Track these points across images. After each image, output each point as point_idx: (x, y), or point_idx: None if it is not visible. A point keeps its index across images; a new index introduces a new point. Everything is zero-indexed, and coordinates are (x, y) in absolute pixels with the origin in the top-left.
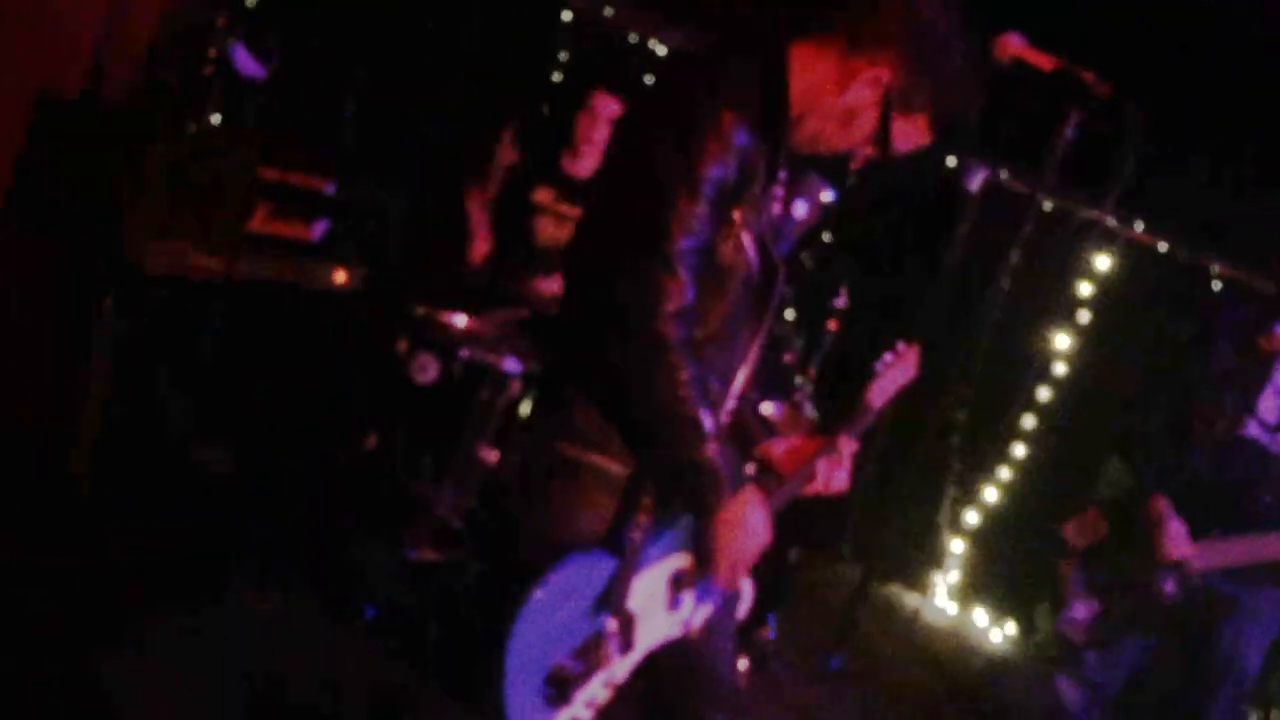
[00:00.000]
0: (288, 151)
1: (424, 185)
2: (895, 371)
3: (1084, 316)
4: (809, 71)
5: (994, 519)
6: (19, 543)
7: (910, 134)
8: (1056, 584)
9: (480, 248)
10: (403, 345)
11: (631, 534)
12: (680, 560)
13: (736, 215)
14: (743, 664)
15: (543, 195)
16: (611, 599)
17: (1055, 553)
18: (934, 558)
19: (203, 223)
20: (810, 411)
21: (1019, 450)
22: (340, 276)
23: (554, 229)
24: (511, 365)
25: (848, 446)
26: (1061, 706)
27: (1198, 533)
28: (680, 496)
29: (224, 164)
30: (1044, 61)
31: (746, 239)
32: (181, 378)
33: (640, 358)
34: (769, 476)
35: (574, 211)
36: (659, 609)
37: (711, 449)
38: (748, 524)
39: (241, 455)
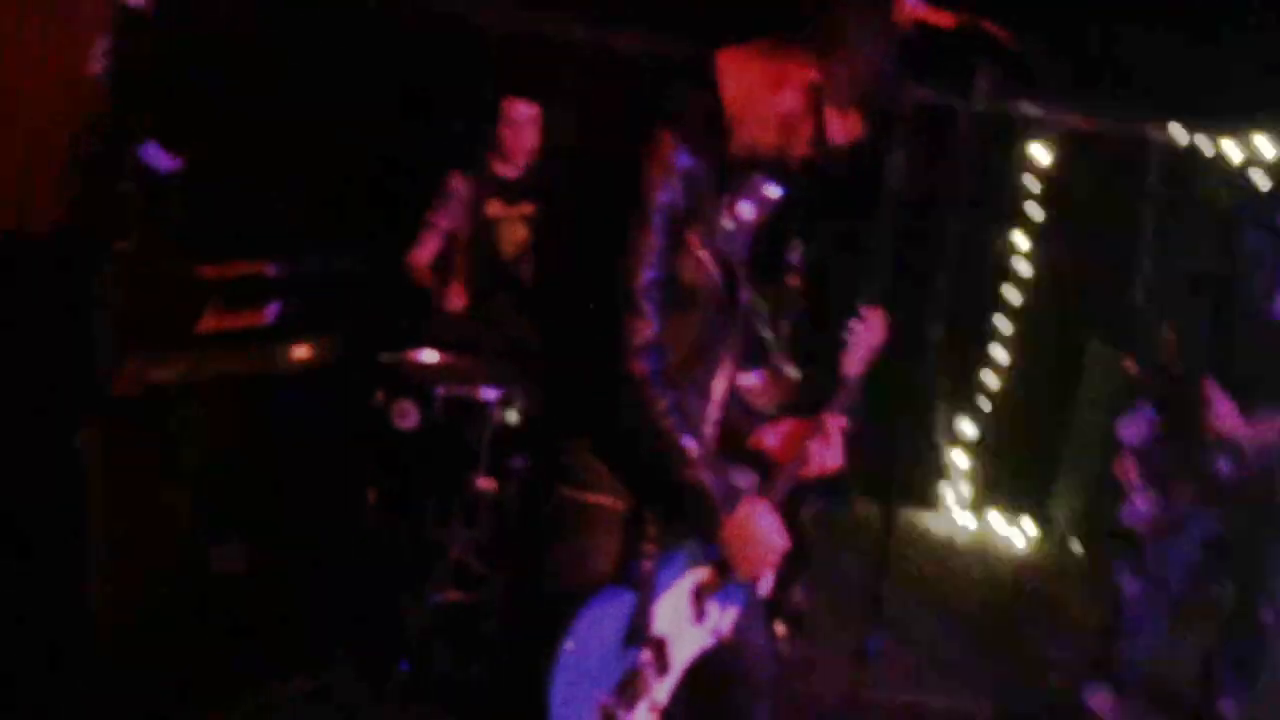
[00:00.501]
0: (220, 243)
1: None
2: (864, 337)
3: (1034, 210)
4: (740, 80)
5: (989, 423)
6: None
7: (845, 129)
8: (1094, 477)
9: (456, 298)
10: (379, 396)
11: (642, 565)
12: (697, 574)
13: (692, 237)
14: (780, 630)
15: (493, 208)
16: (638, 631)
17: (1056, 447)
18: (939, 473)
19: (156, 335)
20: (791, 372)
21: (999, 353)
22: (302, 352)
23: (513, 234)
24: (490, 393)
25: (835, 424)
26: (1122, 599)
27: (1245, 411)
28: (681, 522)
29: (162, 273)
30: (944, 19)
31: (705, 256)
32: (176, 487)
33: (618, 395)
34: (767, 474)
35: (526, 209)
36: (687, 626)
37: (699, 473)
38: (756, 534)
39: (254, 550)
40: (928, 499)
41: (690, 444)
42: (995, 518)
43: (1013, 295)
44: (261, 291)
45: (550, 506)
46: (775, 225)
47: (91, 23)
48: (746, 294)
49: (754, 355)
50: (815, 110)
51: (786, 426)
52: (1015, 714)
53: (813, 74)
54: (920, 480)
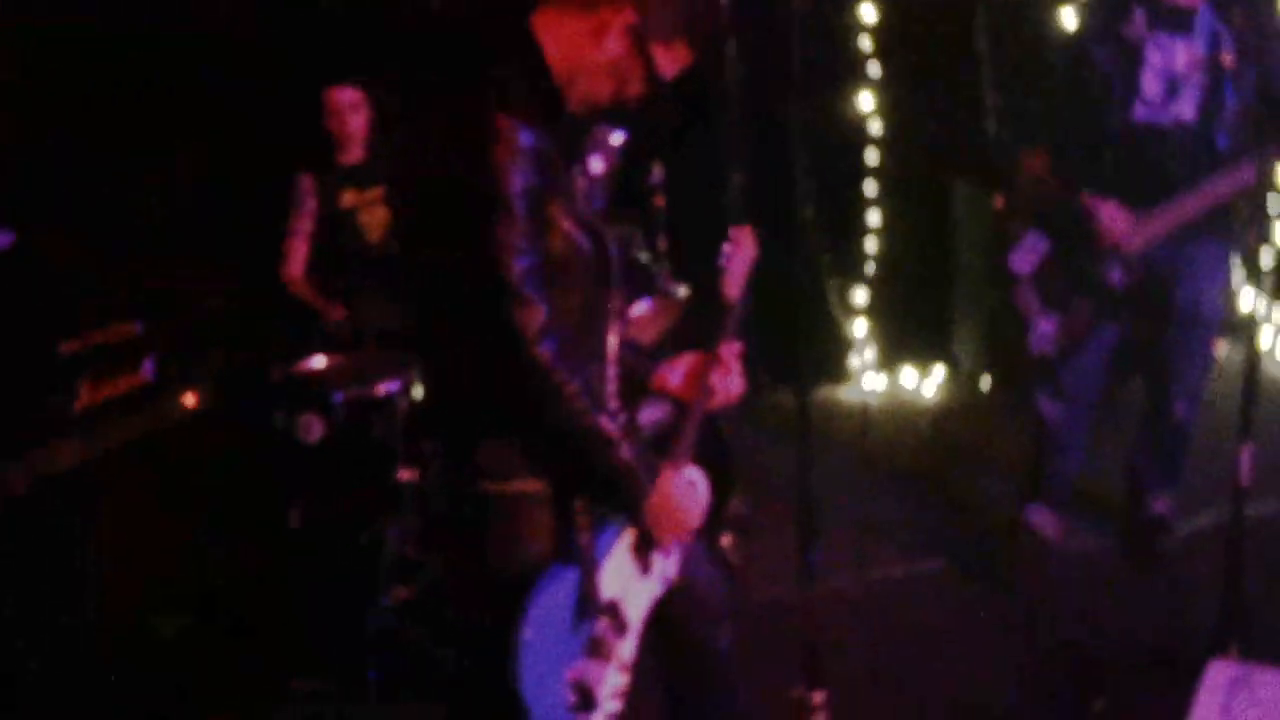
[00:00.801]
0: (70, 310)
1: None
2: (738, 259)
3: (875, 69)
4: (560, 38)
5: (879, 286)
6: None
7: (673, 60)
8: (988, 314)
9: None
10: (279, 419)
11: (578, 539)
12: (632, 533)
13: (554, 212)
14: (726, 541)
15: (348, 199)
16: (588, 602)
17: (947, 293)
18: (842, 345)
19: (31, 427)
20: (677, 290)
21: (873, 217)
22: (190, 400)
23: (373, 218)
24: (390, 386)
25: (730, 351)
26: (1044, 422)
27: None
28: (606, 501)
29: (18, 359)
30: None
31: (569, 225)
32: (94, 568)
33: (525, 384)
34: (675, 414)
35: (379, 191)
36: (634, 582)
37: (620, 451)
38: (678, 502)
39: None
40: (837, 373)
41: (607, 424)
42: (905, 374)
43: (871, 157)
44: (131, 350)
45: (473, 502)
46: (630, 152)
47: None
48: (616, 247)
49: (639, 284)
50: (641, 50)
51: (685, 363)
52: (967, 561)
53: (630, 16)
54: (825, 357)
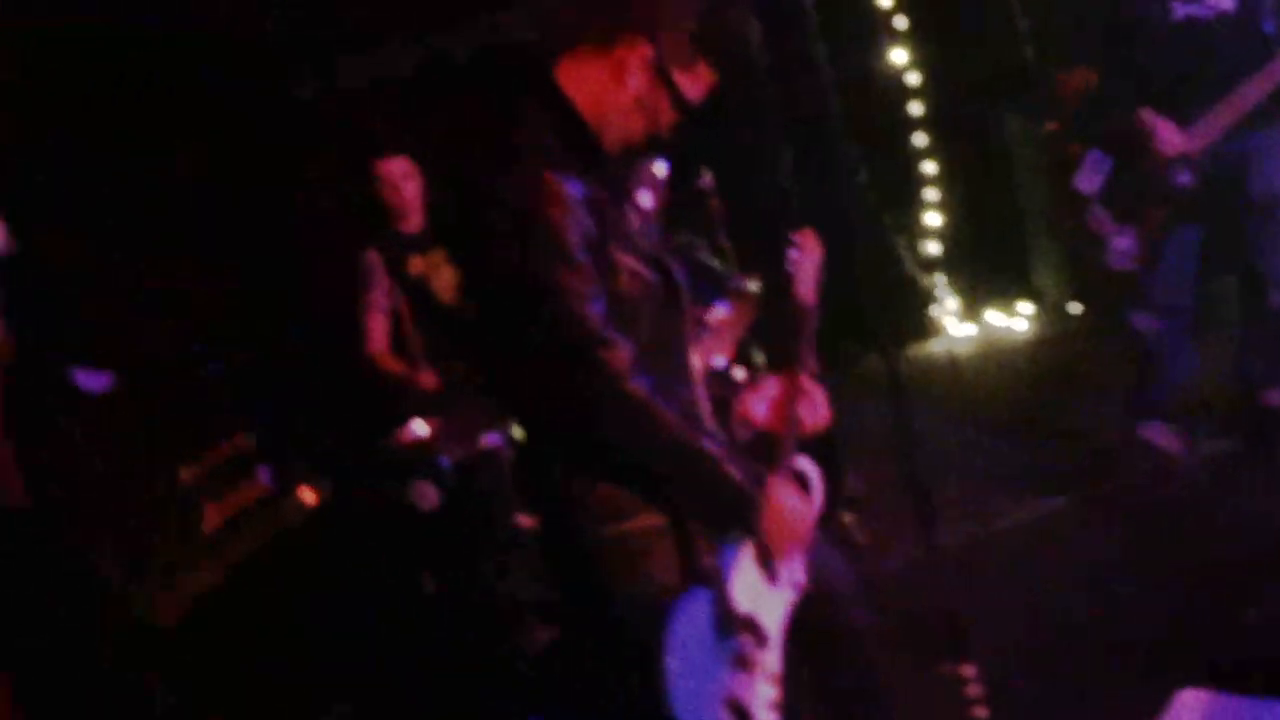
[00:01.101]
0: (179, 435)
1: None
2: (806, 261)
3: (901, 22)
4: (584, 86)
5: (948, 234)
6: None
7: (697, 82)
8: (1065, 239)
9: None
10: (392, 491)
11: (703, 562)
12: (754, 548)
13: (614, 254)
14: (847, 520)
15: (416, 265)
16: (726, 621)
17: (1018, 227)
18: (924, 302)
19: (173, 556)
20: (750, 287)
21: (928, 167)
22: (309, 496)
23: (444, 279)
24: (492, 439)
25: (808, 374)
26: (1142, 337)
27: (1183, 122)
28: (720, 522)
29: (146, 495)
30: None
31: (631, 262)
32: (255, 672)
33: (626, 424)
34: (766, 448)
35: (442, 254)
36: (766, 594)
37: (726, 470)
38: (789, 514)
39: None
40: (923, 330)
41: (710, 446)
42: (991, 316)
43: (915, 109)
44: (247, 463)
45: (592, 548)
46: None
47: None
48: (682, 272)
49: (712, 288)
50: (664, 81)
51: (769, 392)
52: (1090, 492)
53: (645, 50)
54: (908, 315)
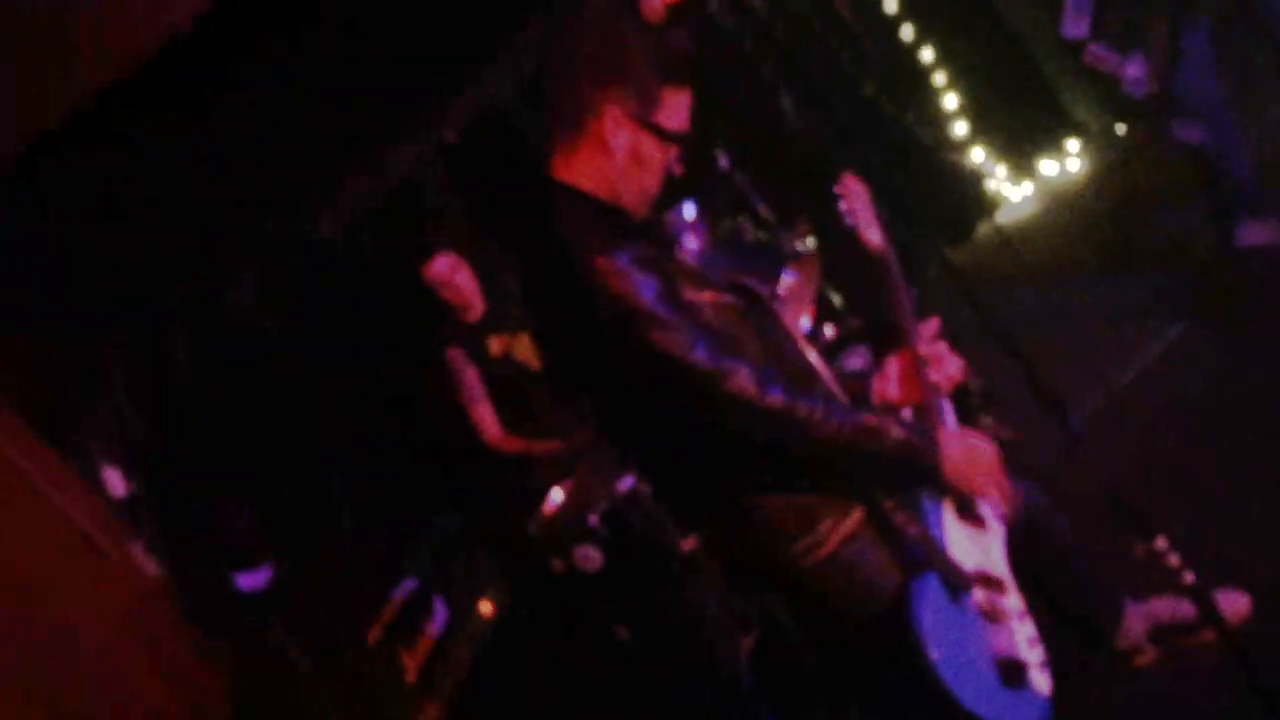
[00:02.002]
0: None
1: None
2: (858, 206)
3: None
4: (582, 170)
5: (970, 108)
6: None
7: (679, 108)
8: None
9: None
10: (557, 566)
11: (912, 540)
12: (950, 503)
13: (690, 297)
14: (987, 423)
15: (495, 346)
16: (956, 586)
17: (1033, 76)
18: (975, 180)
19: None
20: (808, 246)
21: (925, 55)
22: (487, 608)
23: (525, 350)
24: (626, 482)
25: (925, 337)
26: (1197, 143)
27: None
28: (911, 485)
29: (351, 670)
30: None
31: (709, 296)
32: None
33: (777, 435)
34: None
35: (515, 324)
36: (981, 541)
37: (893, 433)
38: (971, 453)
39: None
40: (984, 207)
41: (867, 419)
42: (1044, 166)
43: (890, 6)
44: (418, 604)
45: (799, 575)
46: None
47: None
48: (762, 287)
49: (773, 261)
50: (645, 127)
51: (894, 369)
52: (1206, 308)
53: (613, 110)
54: (964, 201)
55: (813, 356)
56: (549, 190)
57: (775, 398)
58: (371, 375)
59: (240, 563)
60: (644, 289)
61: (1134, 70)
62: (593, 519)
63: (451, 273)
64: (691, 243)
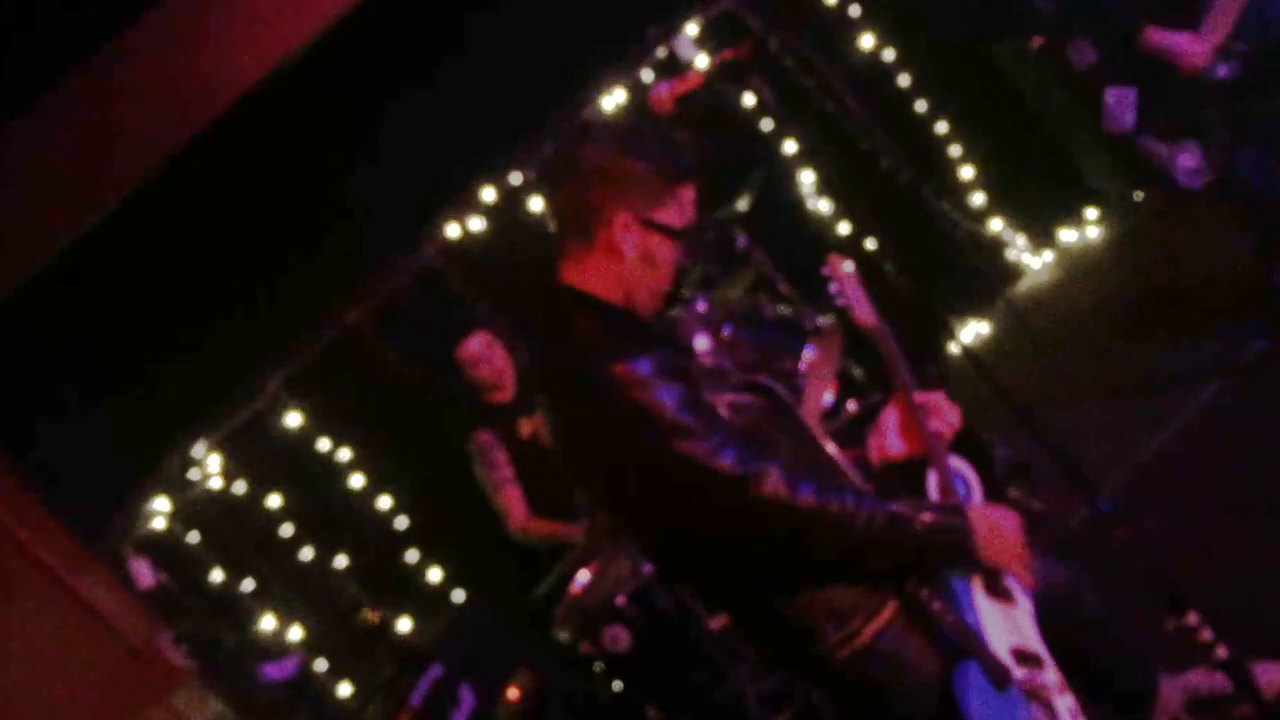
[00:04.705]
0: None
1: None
2: (847, 286)
3: (855, 10)
4: (593, 276)
5: (984, 176)
6: None
7: (682, 210)
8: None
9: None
10: (585, 647)
11: (949, 628)
12: (979, 579)
13: (711, 399)
14: (1015, 494)
15: (525, 428)
16: (1000, 675)
17: (1051, 145)
18: (994, 249)
19: None
20: (827, 321)
21: (940, 127)
22: (514, 694)
23: None
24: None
25: (915, 392)
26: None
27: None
28: (946, 566)
29: None
30: (694, 81)
31: (728, 398)
32: None
33: (811, 534)
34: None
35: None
36: (1011, 618)
37: (923, 518)
38: (998, 527)
39: None
40: (1007, 277)
41: (897, 506)
42: (1063, 235)
43: (903, 80)
44: (449, 689)
45: (833, 666)
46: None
47: None
48: (777, 386)
49: (795, 336)
50: (651, 227)
51: (890, 423)
52: (1239, 367)
53: (620, 216)
54: (985, 274)
55: (830, 447)
56: (560, 297)
57: (807, 497)
58: (399, 461)
59: (268, 653)
60: (667, 398)
61: (1190, 161)
62: (620, 600)
63: (487, 350)
64: (703, 342)
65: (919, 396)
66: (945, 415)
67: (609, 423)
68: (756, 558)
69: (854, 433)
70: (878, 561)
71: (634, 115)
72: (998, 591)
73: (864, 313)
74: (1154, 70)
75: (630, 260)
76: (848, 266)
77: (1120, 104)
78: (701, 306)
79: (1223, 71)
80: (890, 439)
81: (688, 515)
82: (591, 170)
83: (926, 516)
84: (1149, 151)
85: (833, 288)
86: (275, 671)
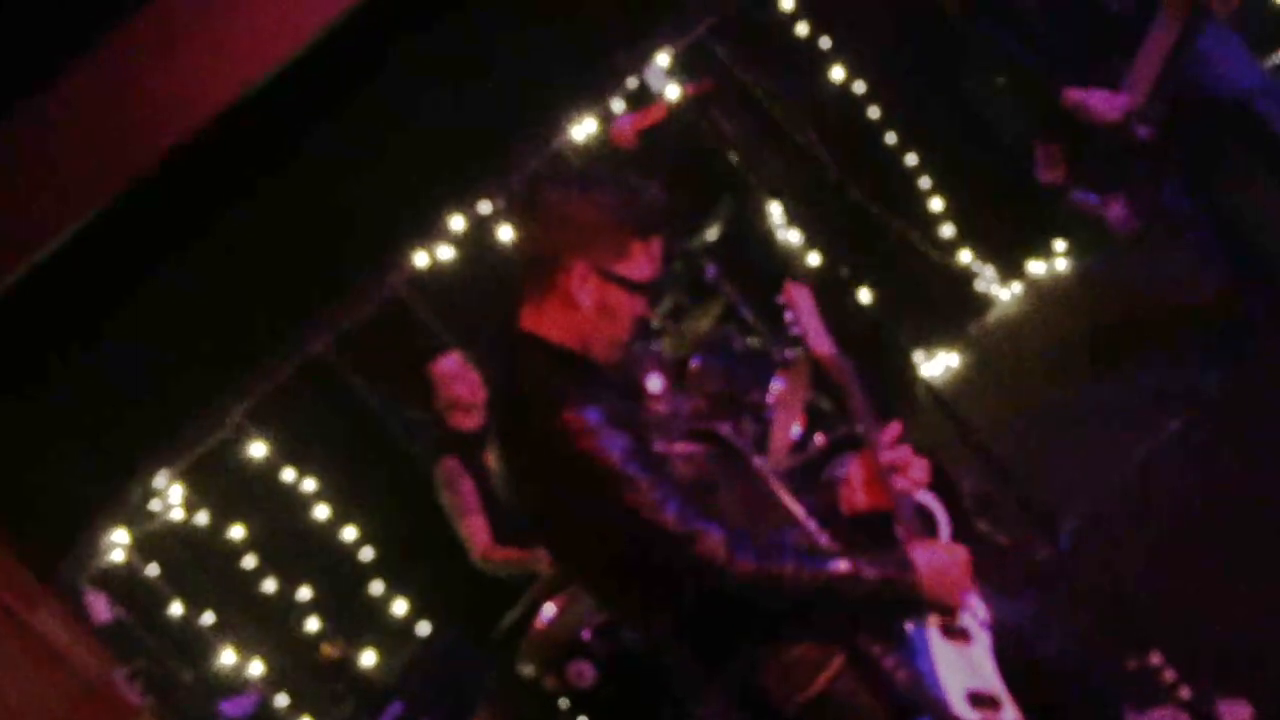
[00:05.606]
0: None
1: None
2: (803, 314)
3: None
4: (550, 323)
5: (954, 211)
6: None
7: (644, 263)
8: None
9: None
10: (550, 682)
11: (900, 683)
12: (934, 623)
13: (660, 449)
14: (983, 527)
15: (490, 457)
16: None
17: (1009, 175)
18: (965, 280)
19: None
20: (796, 353)
21: (909, 159)
22: None
23: None
24: None
25: (887, 442)
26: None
27: (1112, 81)
28: (893, 620)
29: None
30: (656, 115)
31: (679, 448)
32: None
33: (750, 595)
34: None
35: None
36: (968, 658)
37: (866, 574)
38: (944, 570)
39: None
40: (976, 308)
41: (837, 566)
42: (1032, 267)
43: (873, 113)
44: None
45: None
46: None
47: None
48: (726, 428)
49: (762, 368)
50: (614, 280)
51: (858, 474)
52: (1203, 404)
53: (579, 265)
54: (956, 302)
55: (785, 496)
56: (516, 340)
57: (745, 562)
58: (365, 491)
59: (228, 689)
60: (614, 447)
61: (1119, 211)
62: (586, 634)
63: (461, 369)
64: (656, 384)
65: (885, 454)
66: (911, 471)
67: (555, 469)
68: (698, 612)
69: (820, 466)
70: (822, 620)
71: (600, 156)
72: (954, 632)
73: (820, 343)
74: (1079, 125)
75: (587, 309)
76: (804, 295)
77: (1047, 159)
78: (656, 346)
79: (1143, 133)
80: (855, 492)
81: (629, 566)
82: (552, 217)
83: (872, 573)
84: (1078, 202)
85: (788, 316)
86: (233, 709)
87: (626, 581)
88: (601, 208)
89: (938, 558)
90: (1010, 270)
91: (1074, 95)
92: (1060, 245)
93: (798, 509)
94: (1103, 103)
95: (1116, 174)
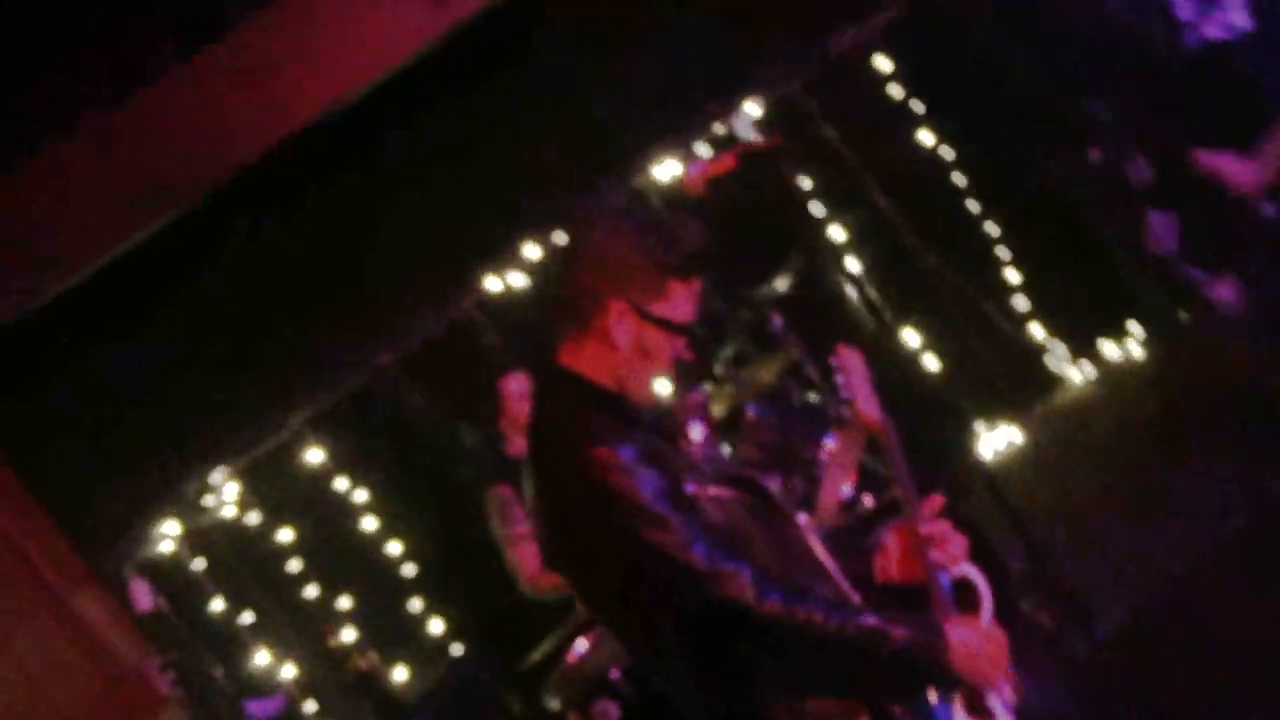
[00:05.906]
0: None
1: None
2: (854, 379)
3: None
4: (587, 359)
5: (1028, 284)
6: None
7: (684, 303)
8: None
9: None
10: (574, 717)
11: None
12: (960, 698)
13: (694, 492)
14: (1027, 608)
15: None
16: None
17: (1090, 253)
18: (1038, 354)
19: None
20: (851, 412)
21: (989, 228)
22: None
23: None
24: None
25: (928, 514)
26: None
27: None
28: (916, 686)
29: None
30: (725, 164)
31: (713, 491)
32: None
33: (775, 640)
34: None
35: None
36: None
37: (896, 634)
38: (976, 645)
39: None
40: (1044, 385)
41: (868, 621)
42: (1105, 348)
43: (959, 179)
44: None
45: None
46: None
47: None
48: (772, 482)
49: (819, 423)
50: (649, 319)
51: (896, 547)
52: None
53: (617, 305)
54: (1022, 377)
55: (820, 551)
56: (554, 376)
57: (773, 604)
58: (415, 508)
59: (258, 689)
60: (645, 486)
61: (1226, 293)
62: (615, 673)
63: (527, 391)
64: (697, 431)
65: (925, 526)
66: (949, 547)
67: (583, 504)
68: (721, 657)
69: (865, 529)
70: (847, 674)
71: (673, 200)
72: (978, 710)
73: (868, 407)
74: (1203, 195)
75: (624, 349)
76: (856, 359)
77: (1162, 228)
78: (700, 393)
79: (1270, 211)
80: (892, 563)
81: (654, 607)
82: (590, 256)
83: (901, 632)
84: (1186, 276)
85: (838, 379)
86: (259, 710)
87: (648, 624)
88: (640, 248)
89: (974, 636)
90: (1082, 349)
91: (1205, 158)
92: (1135, 327)
93: (832, 566)
94: (1236, 167)
95: (1233, 251)
